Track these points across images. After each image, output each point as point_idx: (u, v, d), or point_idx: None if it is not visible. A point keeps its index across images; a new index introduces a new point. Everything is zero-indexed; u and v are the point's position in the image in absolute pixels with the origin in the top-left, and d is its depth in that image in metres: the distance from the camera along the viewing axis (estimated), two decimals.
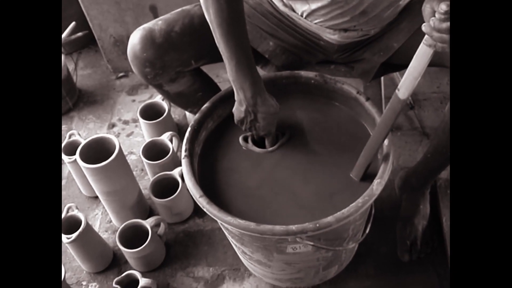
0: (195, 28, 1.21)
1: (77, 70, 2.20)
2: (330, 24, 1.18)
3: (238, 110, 1.16)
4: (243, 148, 1.22)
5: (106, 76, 2.17)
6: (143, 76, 1.25)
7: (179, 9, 1.25)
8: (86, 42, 2.24)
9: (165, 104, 1.74)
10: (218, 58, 1.12)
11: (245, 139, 1.23)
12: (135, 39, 1.21)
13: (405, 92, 0.95)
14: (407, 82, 0.93)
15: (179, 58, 1.23)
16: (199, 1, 1.09)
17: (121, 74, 2.15)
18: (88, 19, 1.94)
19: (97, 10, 1.91)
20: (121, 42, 2.01)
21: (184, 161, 1.12)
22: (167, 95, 1.34)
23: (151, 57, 1.20)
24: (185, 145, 1.15)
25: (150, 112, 1.74)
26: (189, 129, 1.18)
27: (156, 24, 1.21)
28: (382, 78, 1.62)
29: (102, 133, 1.79)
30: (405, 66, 1.13)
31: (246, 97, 1.11)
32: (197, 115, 1.20)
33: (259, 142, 1.22)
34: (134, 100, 2.04)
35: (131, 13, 1.91)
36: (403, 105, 0.97)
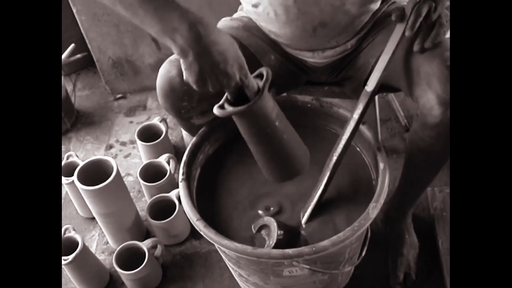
0: None
1: (76, 91, 2.22)
2: (304, 46, 1.21)
3: (187, 68, 0.88)
4: (221, 116, 0.96)
5: (104, 97, 2.19)
6: (176, 111, 1.20)
7: None
8: (85, 64, 2.26)
9: (162, 126, 1.76)
10: None
11: (221, 107, 0.97)
12: (172, 72, 1.15)
13: (372, 85, 1.06)
14: (374, 75, 1.05)
15: None
16: None
17: (119, 96, 2.16)
18: (87, 41, 1.96)
19: (96, 33, 1.93)
20: (120, 64, 2.03)
21: (181, 185, 1.13)
22: (190, 128, 1.28)
23: (190, 90, 1.05)
24: (183, 168, 1.16)
25: (148, 134, 1.75)
26: (186, 152, 1.19)
27: None
28: (376, 100, 1.64)
29: (100, 154, 1.80)
30: (389, 86, 1.17)
31: (184, 36, 0.83)
32: (195, 138, 1.21)
33: (239, 99, 0.96)
34: (131, 122, 2.05)
35: (130, 36, 1.94)
36: (370, 98, 1.07)
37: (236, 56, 0.89)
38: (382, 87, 1.23)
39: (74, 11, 1.85)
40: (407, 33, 1.03)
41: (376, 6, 1.20)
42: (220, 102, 0.97)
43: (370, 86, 1.07)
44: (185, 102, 1.17)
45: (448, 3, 1.04)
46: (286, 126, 1.03)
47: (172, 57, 1.19)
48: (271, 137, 0.99)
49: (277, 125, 0.99)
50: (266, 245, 1.08)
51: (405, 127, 1.80)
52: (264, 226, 1.10)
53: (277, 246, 1.05)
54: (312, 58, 1.27)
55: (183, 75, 1.01)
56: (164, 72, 1.17)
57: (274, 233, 1.07)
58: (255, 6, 1.17)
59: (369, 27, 1.23)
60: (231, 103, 0.95)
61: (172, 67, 1.15)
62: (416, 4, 1.02)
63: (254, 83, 0.94)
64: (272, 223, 1.08)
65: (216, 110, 0.95)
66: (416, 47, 1.06)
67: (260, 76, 0.96)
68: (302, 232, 1.12)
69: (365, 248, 1.18)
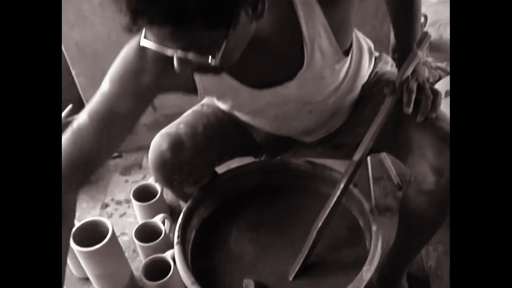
0: (215, 127, 1.22)
1: None
2: (291, 133, 1.26)
3: None
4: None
5: None
6: (168, 183, 1.23)
7: (190, 111, 1.26)
8: None
9: (158, 186, 1.77)
10: (236, 154, 1.16)
11: None
12: (163, 146, 1.17)
13: (359, 155, 1.09)
14: (362, 145, 1.08)
15: (206, 160, 1.22)
16: (196, 99, 1.13)
17: (115, 155, 2.18)
18: (85, 102, 2.00)
19: (93, 94, 1.96)
20: None
21: (176, 248, 1.14)
22: (183, 196, 1.31)
23: (181, 163, 1.17)
24: (178, 231, 1.17)
25: (143, 194, 1.76)
26: (181, 215, 1.20)
27: (178, 128, 1.20)
28: (369, 159, 1.67)
29: (95, 213, 1.80)
30: (384, 148, 1.20)
31: None
32: (189, 202, 1.23)
33: None
34: (127, 181, 2.07)
35: None
36: (356, 166, 1.09)
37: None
38: (375, 150, 1.26)
39: (73, 73, 1.90)
40: (406, 111, 1.06)
41: (359, 89, 1.23)
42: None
43: (357, 155, 1.09)
44: (176, 175, 1.20)
45: (426, 74, 1.09)
46: None
47: (163, 131, 1.22)
48: None
49: None
50: None
51: (398, 185, 1.82)
52: None
53: None
54: (300, 139, 1.31)
55: (173, 149, 1.11)
56: (155, 146, 1.19)
57: None
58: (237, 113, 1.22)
59: (356, 102, 1.26)
60: None
61: (163, 141, 1.18)
62: (405, 81, 1.07)
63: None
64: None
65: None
66: (419, 118, 1.07)
67: None
68: None
69: None
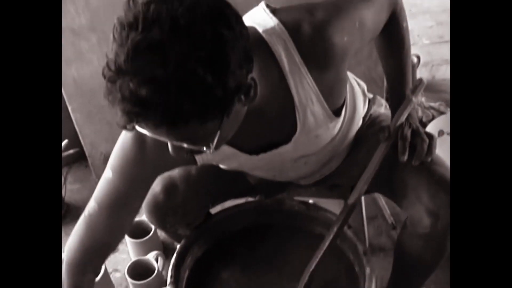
0: (209, 170, 1.22)
1: (66, 184, 2.24)
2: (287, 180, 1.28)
3: None
4: None
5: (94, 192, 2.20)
6: (161, 225, 1.24)
7: None
8: (77, 158, 2.29)
9: (150, 223, 1.77)
10: (230, 196, 1.18)
11: None
12: (156, 188, 1.18)
13: (353, 198, 1.09)
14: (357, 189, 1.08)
15: (199, 203, 1.23)
16: None
17: None
18: (80, 137, 2.01)
19: (89, 129, 1.98)
20: None
21: None
22: (177, 237, 1.31)
23: (174, 205, 1.18)
24: (171, 271, 1.17)
25: (136, 230, 1.75)
26: (174, 255, 1.20)
27: (172, 170, 1.21)
28: (363, 198, 1.67)
29: None
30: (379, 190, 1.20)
31: None
32: (183, 241, 1.23)
33: None
34: None
35: None
36: (350, 209, 1.10)
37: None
38: (370, 191, 1.27)
39: (70, 109, 1.91)
40: (402, 159, 1.07)
41: (353, 135, 1.24)
42: None
43: (351, 199, 1.09)
44: (169, 217, 1.21)
45: (419, 113, 1.11)
46: None
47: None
48: None
49: None
50: None
51: (392, 224, 1.82)
52: None
53: None
54: (295, 182, 1.32)
55: (167, 192, 1.15)
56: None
57: None
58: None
59: (351, 145, 1.27)
60: None
61: (156, 184, 1.18)
62: (400, 127, 1.08)
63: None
64: None
65: None
66: (415, 162, 1.08)
67: None
68: None
69: None
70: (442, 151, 1.11)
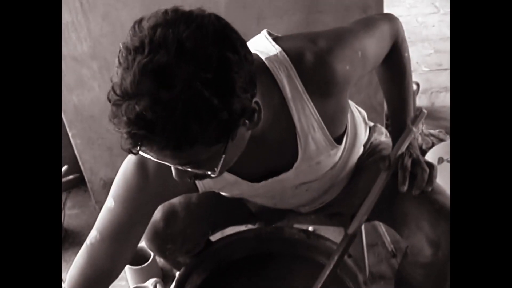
0: (209, 197, 1.21)
1: (65, 209, 2.23)
2: (288, 207, 1.28)
3: None
4: None
5: (93, 217, 2.14)
6: (161, 253, 1.23)
7: None
8: (76, 183, 2.29)
9: (150, 250, 1.76)
10: (230, 223, 1.18)
11: None
12: (156, 215, 1.17)
13: (353, 228, 1.09)
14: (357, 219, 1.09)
15: (199, 230, 1.23)
16: None
17: None
18: (80, 162, 2.01)
19: (89, 155, 1.98)
20: (111, 185, 2.06)
21: None
22: (176, 265, 1.31)
23: (174, 233, 1.18)
24: None
25: (135, 257, 1.74)
26: (174, 283, 1.19)
27: None
28: (363, 226, 1.66)
29: None
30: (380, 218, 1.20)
31: None
32: (183, 269, 1.22)
33: None
34: None
35: (123, 158, 1.97)
36: (350, 239, 1.10)
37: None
38: (370, 219, 1.27)
39: (70, 134, 1.91)
40: (402, 189, 1.07)
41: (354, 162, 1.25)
42: None
43: (351, 229, 1.10)
44: (169, 245, 1.20)
45: (419, 141, 1.11)
46: None
47: None
48: None
49: None
50: None
51: (392, 252, 1.81)
52: None
53: None
54: (296, 209, 1.33)
55: (167, 219, 1.15)
56: None
57: None
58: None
59: (352, 173, 1.27)
60: None
61: (156, 211, 1.16)
62: (400, 157, 1.09)
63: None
64: None
65: None
66: (416, 192, 1.08)
67: None
68: None
69: None
70: (442, 178, 1.12)
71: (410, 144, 1.12)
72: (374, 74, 1.81)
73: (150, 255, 1.74)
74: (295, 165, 1.06)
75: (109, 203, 1.03)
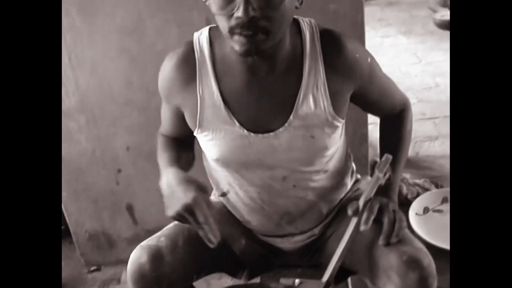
0: (195, 240, 1.19)
1: None
2: (273, 232, 1.28)
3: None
4: None
5: (78, 269, 2.17)
6: None
7: (171, 224, 1.26)
8: (61, 235, 2.28)
9: None
10: (216, 268, 1.20)
11: None
12: (142, 258, 1.17)
13: (326, 276, 1.12)
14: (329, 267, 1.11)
15: (185, 274, 1.22)
16: None
17: (93, 268, 2.15)
18: (65, 214, 2.00)
19: (75, 207, 1.98)
20: (96, 237, 2.06)
21: None
22: None
23: (161, 276, 1.16)
24: None
25: None
26: None
27: (159, 241, 1.20)
28: (349, 280, 1.66)
29: None
30: (359, 269, 1.21)
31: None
32: None
33: None
34: None
35: (108, 211, 1.99)
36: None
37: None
38: (353, 271, 1.27)
39: None
40: (362, 228, 1.11)
41: (339, 195, 1.29)
42: None
43: (325, 276, 1.12)
44: None
45: (404, 191, 1.13)
46: None
47: (143, 243, 1.21)
48: None
49: None
50: None
51: None
52: None
53: None
54: (281, 243, 1.33)
55: (153, 262, 1.15)
56: (135, 258, 1.19)
57: None
58: (223, 195, 1.27)
59: (333, 214, 1.30)
60: None
61: (142, 253, 1.17)
62: (368, 202, 1.11)
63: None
64: None
65: None
66: (381, 242, 1.11)
67: None
68: None
69: None
70: (428, 228, 1.12)
71: (390, 190, 1.20)
72: (359, 125, 1.86)
73: None
74: (289, 119, 1.12)
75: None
